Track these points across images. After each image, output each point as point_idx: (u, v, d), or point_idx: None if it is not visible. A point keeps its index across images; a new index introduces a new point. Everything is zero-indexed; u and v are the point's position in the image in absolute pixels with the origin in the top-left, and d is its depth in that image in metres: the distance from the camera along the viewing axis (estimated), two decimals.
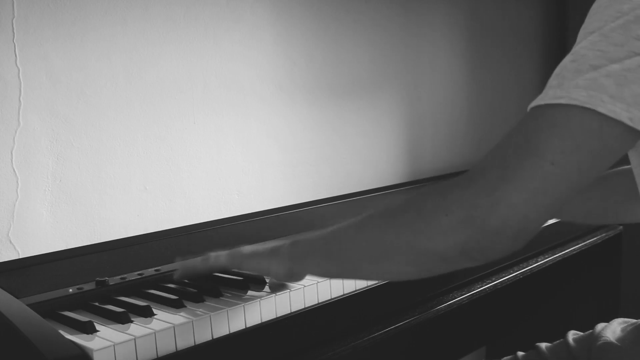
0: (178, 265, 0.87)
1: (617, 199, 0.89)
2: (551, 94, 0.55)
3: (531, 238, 0.57)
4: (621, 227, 1.58)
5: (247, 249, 0.81)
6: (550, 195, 0.54)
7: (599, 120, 0.52)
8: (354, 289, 0.88)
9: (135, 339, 0.66)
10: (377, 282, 0.89)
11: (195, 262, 0.82)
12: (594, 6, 0.57)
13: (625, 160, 0.68)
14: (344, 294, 0.87)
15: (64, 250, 1.00)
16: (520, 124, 0.57)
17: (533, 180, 0.54)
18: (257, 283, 0.85)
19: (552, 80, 0.56)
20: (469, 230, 0.56)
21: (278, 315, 0.78)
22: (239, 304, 0.76)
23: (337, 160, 1.49)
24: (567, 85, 0.53)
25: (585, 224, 1.32)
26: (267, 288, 0.82)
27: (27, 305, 0.73)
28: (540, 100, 0.56)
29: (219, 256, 0.81)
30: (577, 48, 0.56)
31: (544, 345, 0.99)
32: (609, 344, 0.87)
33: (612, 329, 0.92)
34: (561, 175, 0.54)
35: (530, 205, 0.54)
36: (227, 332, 0.73)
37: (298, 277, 0.76)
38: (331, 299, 0.85)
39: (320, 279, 0.84)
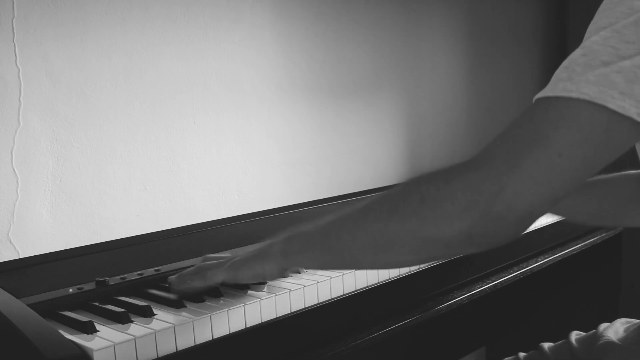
0: (174, 279, 0.85)
1: (618, 202, 0.90)
2: (561, 87, 0.55)
3: (532, 224, 0.59)
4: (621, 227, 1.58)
5: (239, 257, 0.79)
6: (554, 185, 0.55)
7: (607, 116, 0.53)
8: (354, 289, 0.88)
9: (135, 339, 0.66)
10: (376, 282, 0.89)
11: (193, 281, 0.80)
12: (606, 2, 0.58)
13: (626, 159, 0.68)
14: (344, 294, 0.87)
15: (64, 250, 0.99)
16: (529, 113, 0.58)
17: (540, 170, 0.55)
18: (257, 283, 0.85)
19: (561, 73, 0.57)
20: (474, 215, 0.56)
21: (278, 315, 0.78)
22: (239, 303, 0.76)
23: (337, 160, 1.49)
24: (577, 80, 0.54)
25: (585, 225, 1.33)
26: (266, 288, 0.82)
27: (27, 305, 0.73)
28: (549, 91, 0.56)
29: (215, 274, 0.79)
30: (587, 42, 0.56)
31: (546, 345, 1.00)
32: (611, 343, 0.87)
33: (615, 329, 0.92)
34: (567, 167, 0.55)
35: (535, 194, 0.55)
36: (228, 332, 0.73)
37: (292, 271, 0.77)
38: (331, 299, 0.85)
39: (320, 279, 0.84)
